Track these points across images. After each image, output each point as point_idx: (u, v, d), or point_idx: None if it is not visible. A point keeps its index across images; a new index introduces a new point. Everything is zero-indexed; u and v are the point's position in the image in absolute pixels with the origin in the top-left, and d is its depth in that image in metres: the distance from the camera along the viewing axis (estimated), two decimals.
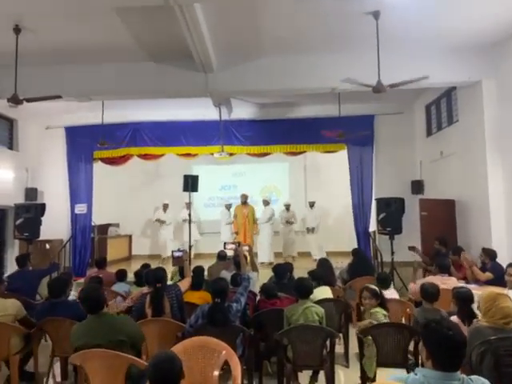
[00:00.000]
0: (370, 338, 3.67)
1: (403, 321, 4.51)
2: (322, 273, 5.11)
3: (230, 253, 5.62)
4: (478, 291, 4.07)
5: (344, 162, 9.75)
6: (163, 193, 11.36)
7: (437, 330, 1.96)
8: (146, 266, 6.02)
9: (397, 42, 6.40)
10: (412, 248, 7.13)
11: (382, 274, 5.60)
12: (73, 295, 5.44)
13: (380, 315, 3.81)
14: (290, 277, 5.33)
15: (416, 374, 1.98)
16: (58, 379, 4.39)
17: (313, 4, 5.49)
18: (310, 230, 10.67)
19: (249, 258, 5.74)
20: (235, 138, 9.90)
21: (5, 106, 6.13)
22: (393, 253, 7.97)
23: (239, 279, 4.50)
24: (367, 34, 5.90)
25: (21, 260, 5.96)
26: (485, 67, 6.85)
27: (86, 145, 9.85)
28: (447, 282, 5.07)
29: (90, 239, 9.84)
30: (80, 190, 9.94)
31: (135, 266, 9.43)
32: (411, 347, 3.75)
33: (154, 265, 6.21)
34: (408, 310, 4.62)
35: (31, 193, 9.92)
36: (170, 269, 6.15)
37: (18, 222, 8.38)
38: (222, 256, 6.59)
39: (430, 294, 3.91)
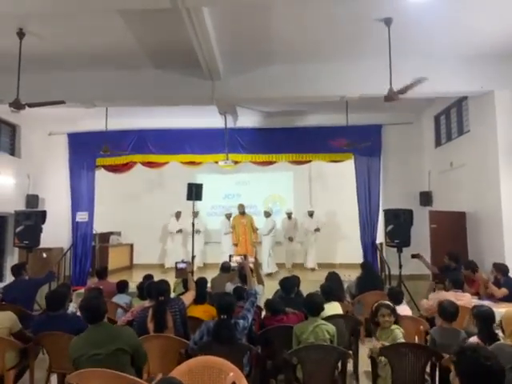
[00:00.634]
0: (384, 358, 3.46)
1: (416, 339, 4.31)
2: (332, 287, 4.90)
3: (234, 264, 5.42)
4: (496, 308, 3.90)
5: (350, 171, 9.59)
6: (166, 201, 11.21)
7: (473, 360, 1.77)
8: (148, 278, 5.82)
9: (408, 50, 6.27)
10: (416, 255, 6.93)
11: (395, 289, 5.39)
12: (72, 307, 5.26)
13: (399, 334, 3.60)
14: (298, 291, 5.13)
15: None
16: None
17: (323, 11, 5.37)
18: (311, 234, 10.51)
19: (254, 271, 5.55)
20: (240, 146, 9.77)
21: (8, 111, 6.01)
22: (401, 266, 7.76)
23: (246, 294, 4.30)
24: (378, 42, 5.78)
25: (15, 270, 5.77)
26: (497, 77, 6.70)
27: (89, 152, 9.71)
28: (462, 299, 4.87)
29: (90, 248, 9.66)
30: (82, 197, 9.79)
31: (136, 275, 9.29)
32: (428, 368, 3.55)
33: (157, 274, 6.03)
34: (421, 327, 4.41)
35: (32, 200, 9.77)
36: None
37: (18, 229, 8.20)
38: (225, 267, 6.39)
39: (449, 313, 3.71)
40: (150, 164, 10.19)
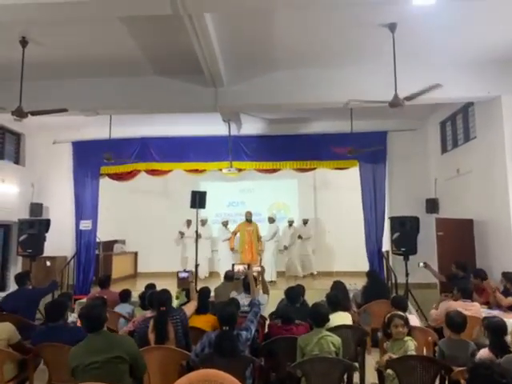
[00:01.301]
0: (392, 372, 3.35)
1: (425, 351, 4.19)
2: (339, 297, 4.78)
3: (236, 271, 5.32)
4: (505, 318, 3.78)
5: (355, 179, 9.49)
6: (171, 209, 11.17)
7: (487, 377, 1.67)
8: (150, 287, 5.74)
9: (413, 56, 6.22)
10: (423, 264, 6.83)
11: (398, 297, 5.27)
12: (73, 317, 5.19)
13: (412, 345, 3.50)
14: (303, 301, 5.02)
15: None
16: None
17: (327, 17, 5.32)
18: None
19: (260, 280, 5.48)
20: (244, 153, 9.72)
21: (12, 120, 6.00)
22: (407, 274, 7.63)
23: (249, 304, 4.20)
24: (382, 48, 5.74)
25: (19, 279, 5.72)
26: (504, 82, 6.61)
27: (93, 160, 9.70)
28: (471, 308, 4.76)
29: (94, 256, 9.60)
30: (86, 205, 9.75)
31: (140, 283, 9.21)
32: (437, 382, 3.43)
33: (160, 283, 5.95)
34: (430, 338, 4.29)
35: (36, 208, 9.76)
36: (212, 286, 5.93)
37: (22, 238, 8.19)
38: (229, 276, 6.30)
39: (457, 323, 3.60)
40: (153, 172, 10.15)
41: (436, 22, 5.40)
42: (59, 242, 9.18)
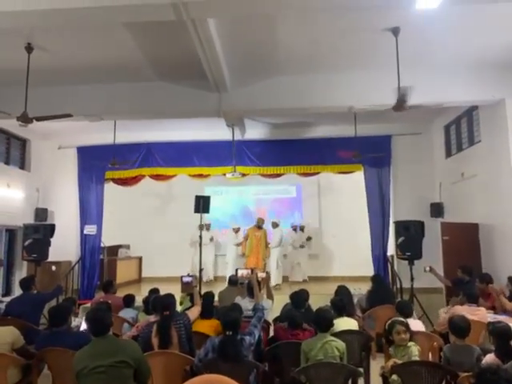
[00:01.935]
0: (397, 377, 3.32)
1: (430, 356, 4.15)
2: (345, 302, 4.74)
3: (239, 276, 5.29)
4: (510, 323, 3.74)
5: (359, 183, 9.47)
6: (175, 214, 11.19)
7: (494, 383, 1.65)
8: (154, 292, 5.74)
9: (416, 60, 6.22)
10: (429, 268, 6.81)
11: (403, 302, 5.23)
12: (77, 321, 5.20)
13: (416, 351, 3.47)
14: (308, 306, 4.99)
15: None
16: None
17: (330, 21, 5.34)
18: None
19: (265, 285, 5.46)
20: (248, 158, 9.74)
21: (18, 125, 6.05)
22: (412, 279, 7.58)
23: (253, 309, 4.18)
24: (386, 52, 5.74)
25: (24, 283, 5.73)
26: (509, 86, 6.61)
27: (98, 165, 9.74)
28: (476, 313, 4.71)
29: (98, 261, 9.62)
30: (90, 210, 9.79)
31: (145, 288, 9.20)
32: None
33: (165, 287, 5.95)
34: (435, 343, 4.26)
35: (41, 213, 9.81)
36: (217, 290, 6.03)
37: (27, 242, 8.21)
38: (233, 281, 6.28)
39: (460, 328, 3.55)
40: (158, 177, 10.20)
41: (439, 26, 5.41)
42: (64, 247, 9.22)
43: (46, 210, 9.92)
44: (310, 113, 7.84)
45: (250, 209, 11.89)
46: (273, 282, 9.64)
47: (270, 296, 5.18)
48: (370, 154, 8.58)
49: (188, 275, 5.04)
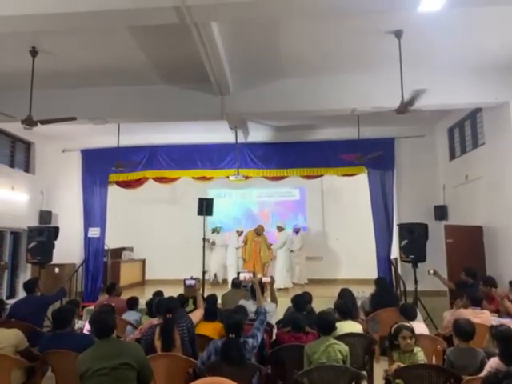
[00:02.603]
0: (400, 381, 3.31)
1: (434, 359, 4.13)
2: (349, 306, 4.72)
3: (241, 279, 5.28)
4: None
5: (362, 185, 9.46)
6: (178, 216, 11.21)
7: None
8: (158, 294, 5.74)
9: (420, 62, 6.22)
10: (433, 271, 6.80)
11: (407, 305, 5.21)
12: (80, 324, 5.21)
13: (422, 357, 3.45)
14: (310, 308, 4.98)
15: None
16: None
17: (333, 23, 5.35)
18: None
19: (269, 289, 5.49)
20: (251, 160, 9.74)
21: (22, 128, 6.10)
22: (416, 282, 7.55)
23: (255, 312, 4.18)
24: (389, 54, 5.74)
25: (28, 286, 5.75)
26: None
27: (102, 168, 9.79)
28: (480, 316, 4.69)
29: (102, 263, 9.64)
30: (94, 213, 9.82)
31: (148, 290, 9.22)
32: None
33: (168, 290, 5.96)
34: (438, 347, 4.24)
35: (46, 216, 9.85)
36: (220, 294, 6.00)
37: (31, 245, 8.24)
38: (236, 284, 6.29)
39: (465, 332, 3.54)
40: (161, 179, 10.22)
41: (442, 29, 5.40)
42: (68, 250, 9.24)
43: (50, 212, 9.95)
44: (314, 115, 7.84)
45: (253, 211, 11.92)
46: (281, 285, 9.66)
47: (273, 299, 5.18)
48: (373, 156, 8.55)
49: (191, 278, 5.05)
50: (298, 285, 10.13)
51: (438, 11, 4.51)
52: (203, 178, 10.19)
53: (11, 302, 6.64)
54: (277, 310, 5.23)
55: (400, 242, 7.94)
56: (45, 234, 8.31)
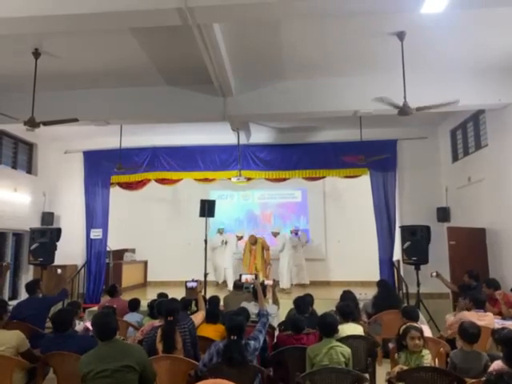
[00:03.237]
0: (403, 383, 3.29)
1: (437, 362, 4.11)
2: (351, 308, 4.70)
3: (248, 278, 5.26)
4: None
5: (364, 187, 9.45)
6: (180, 218, 11.21)
7: None
8: (162, 296, 5.74)
9: (422, 64, 6.21)
10: (435, 274, 6.77)
11: (408, 308, 5.18)
12: (82, 325, 5.20)
13: (429, 359, 3.43)
14: (312, 310, 4.96)
15: None
16: None
17: (336, 25, 5.34)
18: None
19: (271, 291, 5.49)
20: (253, 162, 9.75)
21: (25, 130, 6.11)
22: (419, 284, 7.53)
23: (257, 314, 4.17)
24: (392, 56, 5.74)
25: (30, 287, 5.74)
26: None
27: (104, 169, 9.80)
28: (484, 319, 4.66)
29: (104, 265, 9.64)
30: (96, 214, 9.83)
31: (150, 292, 9.23)
32: None
33: (170, 292, 5.97)
34: (441, 349, 4.22)
35: (48, 217, 9.86)
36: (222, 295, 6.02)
37: (33, 246, 8.25)
38: (238, 286, 6.27)
39: (470, 334, 3.51)
40: (163, 181, 10.22)
41: (444, 30, 5.39)
42: (70, 251, 9.25)
43: (53, 214, 9.97)
44: (316, 117, 7.84)
45: (255, 213, 11.91)
46: (284, 286, 9.65)
47: (275, 302, 5.16)
48: (376, 158, 8.53)
49: (192, 280, 5.04)
50: (299, 286, 10.10)
51: (441, 13, 4.49)
52: (205, 180, 10.20)
53: (13, 303, 6.65)
54: (279, 313, 5.21)
55: (402, 244, 7.92)
56: (47, 235, 8.32)
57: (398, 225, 9.02)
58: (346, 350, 3.58)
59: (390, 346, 4.18)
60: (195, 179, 10.18)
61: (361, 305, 6.19)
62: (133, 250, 11.35)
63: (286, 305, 5.53)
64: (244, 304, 5.26)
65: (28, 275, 9.28)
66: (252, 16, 4.62)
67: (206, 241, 8.41)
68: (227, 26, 5.23)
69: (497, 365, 3.12)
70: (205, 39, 4.98)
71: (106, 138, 9.45)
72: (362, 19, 5.15)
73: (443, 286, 7.14)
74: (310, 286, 10.14)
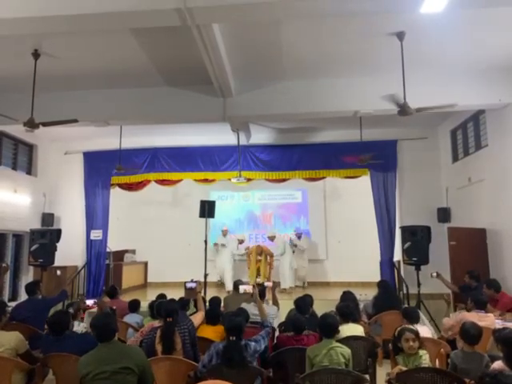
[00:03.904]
0: None
1: (437, 363, 4.09)
2: (351, 308, 4.69)
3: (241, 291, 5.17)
4: None
5: (365, 188, 9.44)
6: (180, 218, 11.21)
7: None
8: (161, 297, 5.74)
9: (422, 64, 6.21)
10: (436, 274, 6.76)
11: (409, 309, 5.16)
12: (83, 327, 5.19)
13: (427, 359, 3.41)
14: (312, 311, 4.95)
15: None
16: None
17: (335, 25, 5.34)
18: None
19: (271, 292, 5.52)
20: (253, 163, 9.76)
21: (25, 131, 6.11)
22: (419, 284, 7.51)
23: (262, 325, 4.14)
24: (391, 56, 5.73)
25: (30, 288, 5.73)
26: None
27: (104, 170, 9.82)
28: (485, 320, 4.64)
29: (104, 266, 9.64)
30: (96, 215, 9.85)
31: (151, 293, 9.21)
32: None
33: (170, 293, 5.96)
34: (442, 350, 4.20)
35: (48, 218, 9.86)
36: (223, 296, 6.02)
37: (33, 247, 8.23)
38: (238, 286, 6.25)
39: (471, 335, 3.49)
40: (163, 181, 10.23)
41: (445, 30, 5.38)
42: (70, 252, 9.26)
43: (53, 215, 9.97)
44: (316, 117, 7.82)
45: (255, 214, 11.91)
46: (287, 286, 9.63)
47: (275, 303, 5.15)
48: (376, 158, 8.52)
49: (191, 281, 5.02)
50: (299, 287, 10.09)
51: (441, 12, 4.48)
52: (205, 181, 10.21)
53: (13, 304, 6.64)
54: (279, 313, 5.20)
55: (403, 244, 7.91)
56: (47, 236, 8.31)
57: (398, 225, 9.01)
58: (346, 351, 3.56)
59: (390, 346, 4.17)
60: (195, 180, 10.20)
61: (361, 305, 6.18)
62: (133, 251, 11.34)
63: (287, 305, 5.52)
64: (244, 305, 5.25)
65: (28, 276, 9.28)
66: (251, 16, 4.61)
67: (205, 241, 8.39)
68: (227, 26, 5.22)
69: (497, 365, 3.10)
70: (204, 40, 4.98)
71: (106, 139, 9.45)
72: (362, 19, 5.14)
73: (444, 286, 7.11)
74: (310, 286, 10.15)
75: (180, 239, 11.15)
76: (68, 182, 10.18)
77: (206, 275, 8.04)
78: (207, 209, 8.15)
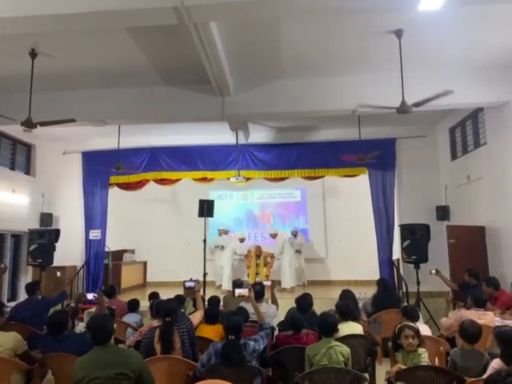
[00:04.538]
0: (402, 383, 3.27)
1: (436, 361, 4.09)
2: (351, 307, 4.67)
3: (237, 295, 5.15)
4: None
5: (363, 186, 9.44)
6: (179, 218, 11.20)
7: None
8: (153, 296, 5.80)
9: (421, 62, 6.20)
10: (435, 271, 6.77)
11: (409, 307, 5.16)
12: (82, 326, 5.19)
13: (426, 357, 3.41)
14: (312, 310, 4.94)
15: None
16: None
17: (334, 23, 5.32)
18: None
19: (270, 292, 5.53)
20: (252, 162, 9.75)
21: (22, 131, 6.09)
22: (418, 282, 7.51)
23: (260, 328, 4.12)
24: (390, 54, 5.72)
25: (30, 288, 5.72)
26: None
27: (103, 170, 9.78)
28: (484, 318, 4.64)
29: (103, 266, 9.63)
30: (95, 215, 9.84)
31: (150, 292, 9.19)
32: None
33: (169, 292, 5.97)
34: (441, 348, 4.20)
35: (46, 218, 9.84)
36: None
37: (32, 247, 8.22)
38: (237, 286, 6.23)
39: (471, 334, 3.48)
40: (162, 181, 10.22)
41: (443, 28, 5.37)
42: (69, 252, 9.24)
43: (51, 215, 9.95)
44: (314, 116, 7.82)
45: (254, 213, 11.91)
46: (287, 285, 9.62)
47: (274, 302, 5.15)
48: (374, 156, 8.50)
49: (191, 280, 5.01)
50: (299, 286, 10.09)
51: (439, 10, 4.47)
52: (204, 180, 10.19)
53: (12, 304, 6.63)
54: (278, 312, 5.19)
55: (402, 242, 7.91)
56: (46, 236, 8.29)
57: (397, 223, 9.01)
58: (345, 350, 3.56)
59: (390, 344, 4.16)
60: (194, 179, 10.18)
61: (360, 304, 6.18)
62: (132, 251, 11.34)
63: (288, 304, 5.51)
64: (243, 304, 5.24)
65: (27, 276, 9.26)
66: (249, 14, 4.59)
67: (204, 241, 8.38)
68: (224, 24, 5.20)
69: (495, 362, 3.11)
70: (202, 38, 4.96)
71: (105, 139, 9.44)
72: (360, 17, 5.13)
73: (443, 284, 7.13)
74: (310, 285, 10.13)
75: (179, 239, 11.14)
76: (66, 182, 10.16)
77: (205, 274, 8.03)
78: (206, 208, 8.14)
